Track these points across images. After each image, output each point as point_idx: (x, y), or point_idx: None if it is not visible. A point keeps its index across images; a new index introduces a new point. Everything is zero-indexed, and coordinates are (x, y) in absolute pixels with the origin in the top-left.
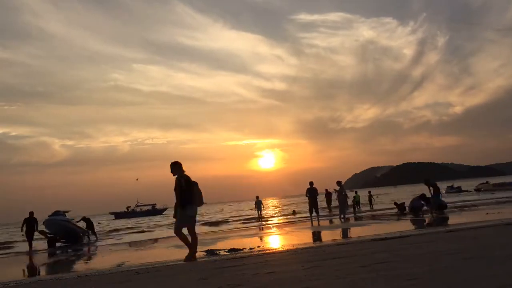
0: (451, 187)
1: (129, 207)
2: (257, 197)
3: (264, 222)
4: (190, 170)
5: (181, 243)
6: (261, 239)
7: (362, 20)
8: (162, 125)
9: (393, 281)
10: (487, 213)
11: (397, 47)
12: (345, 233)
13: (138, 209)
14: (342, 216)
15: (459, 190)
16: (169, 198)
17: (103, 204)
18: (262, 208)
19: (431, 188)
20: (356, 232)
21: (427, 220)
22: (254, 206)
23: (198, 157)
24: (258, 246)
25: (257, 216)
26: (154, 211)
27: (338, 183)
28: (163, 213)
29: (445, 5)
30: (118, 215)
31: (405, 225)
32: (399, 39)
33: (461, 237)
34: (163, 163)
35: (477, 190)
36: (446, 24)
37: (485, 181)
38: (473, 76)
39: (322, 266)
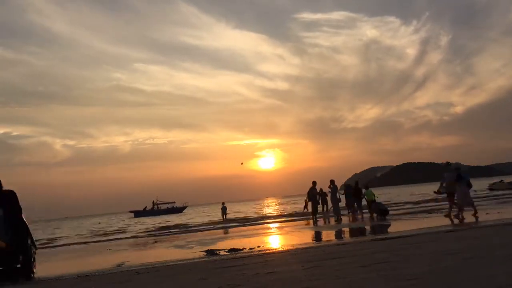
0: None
1: (156, 203)
2: (223, 203)
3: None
4: (191, 170)
5: (181, 243)
6: (261, 239)
7: (365, 19)
8: (163, 124)
9: (393, 281)
10: (487, 213)
11: (400, 46)
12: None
13: (156, 207)
14: (337, 217)
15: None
16: (175, 196)
17: (105, 204)
18: (227, 213)
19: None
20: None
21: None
22: (220, 211)
23: (199, 157)
24: (258, 246)
25: (222, 220)
26: (174, 210)
27: (331, 181)
28: (183, 211)
29: (448, 4)
30: (138, 214)
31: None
32: (402, 38)
33: (461, 237)
34: (164, 162)
35: (491, 189)
36: (450, 23)
37: (499, 180)
38: (475, 76)
39: (322, 266)
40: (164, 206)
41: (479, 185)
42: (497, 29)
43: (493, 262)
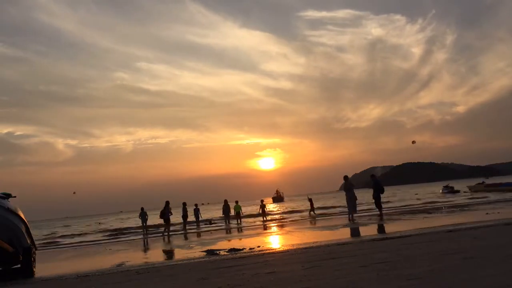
0: (447, 187)
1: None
2: (142, 209)
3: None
4: (192, 169)
5: (182, 243)
6: (261, 239)
7: (371, 17)
8: (166, 124)
9: (393, 281)
10: (487, 213)
11: (405, 45)
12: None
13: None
14: (350, 216)
15: (452, 191)
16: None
17: (108, 203)
18: (147, 219)
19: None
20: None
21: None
22: (139, 217)
23: (201, 157)
24: (258, 246)
25: (142, 227)
26: (279, 199)
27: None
28: (284, 200)
29: (454, 2)
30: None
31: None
32: (408, 37)
33: (461, 237)
34: (166, 162)
35: (471, 191)
36: (455, 22)
37: (481, 181)
38: (479, 76)
39: (322, 266)
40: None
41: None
42: (504, 28)
43: (493, 262)
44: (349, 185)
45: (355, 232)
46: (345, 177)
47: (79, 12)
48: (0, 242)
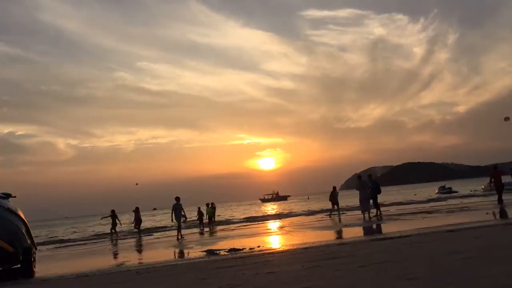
0: (443, 188)
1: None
2: (178, 199)
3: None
4: (193, 169)
5: (181, 243)
6: (261, 239)
7: (372, 17)
8: (167, 124)
9: (393, 281)
10: (487, 213)
11: (407, 45)
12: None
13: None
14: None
15: (449, 191)
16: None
17: (109, 203)
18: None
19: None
20: None
21: None
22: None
23: (201, 156)
24: (258, 246)
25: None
26: (279, 198)
27: (358, 176)
28: (287, 199)
29: (457, 0)
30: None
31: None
32: (409, 36)
33: (461, 237)
34: (167, 162)
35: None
36: (458, 21)
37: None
38: (481, 75)
39: (322, 266)
40: (268, 196)
41: (476, 185)
42: (506, 28)
43: (493, 262)
44: (362, 183)
45: (355, 232)
46: (359, 176)
47: (82, 11)
48: (0, 242)
